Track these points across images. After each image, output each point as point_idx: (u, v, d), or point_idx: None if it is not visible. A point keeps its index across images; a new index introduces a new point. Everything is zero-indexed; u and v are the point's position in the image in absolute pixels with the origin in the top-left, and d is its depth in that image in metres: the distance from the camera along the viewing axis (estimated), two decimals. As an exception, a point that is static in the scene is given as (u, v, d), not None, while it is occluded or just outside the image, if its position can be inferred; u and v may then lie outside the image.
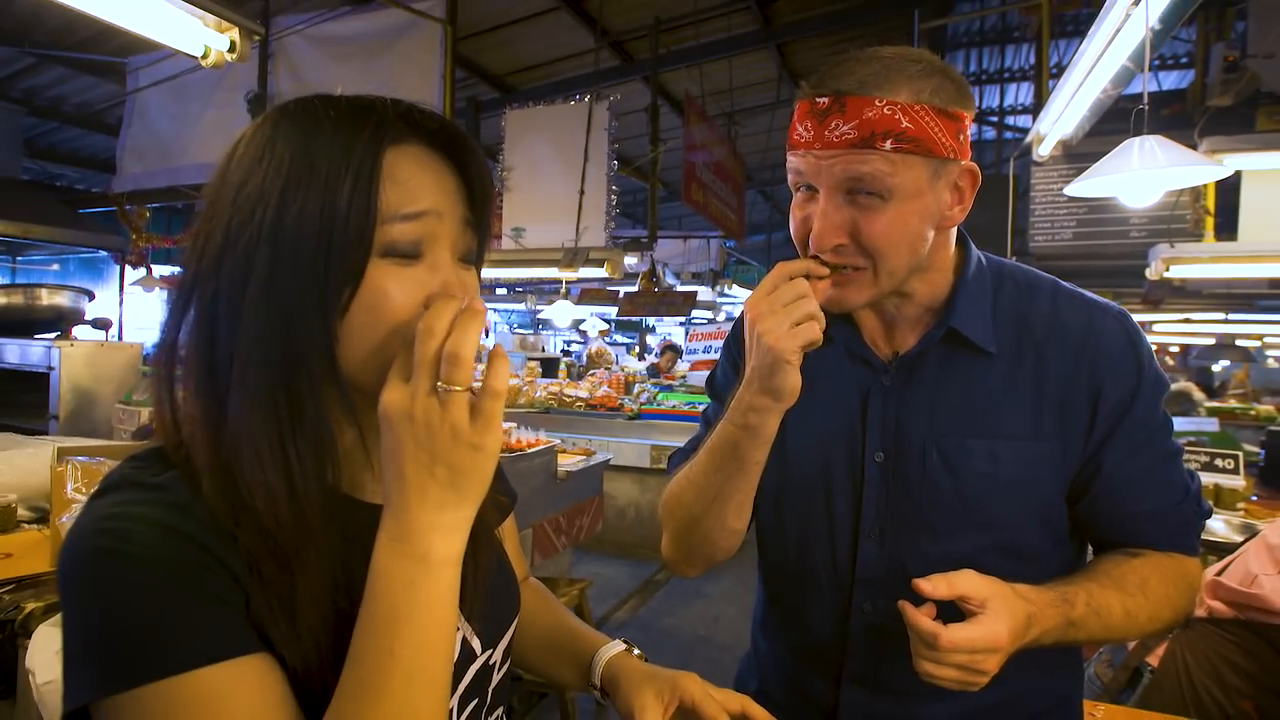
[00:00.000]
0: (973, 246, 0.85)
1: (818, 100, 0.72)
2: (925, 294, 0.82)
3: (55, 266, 9.29)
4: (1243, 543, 1.79)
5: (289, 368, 0.49)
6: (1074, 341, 0.80)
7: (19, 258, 8.82)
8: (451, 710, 0.58)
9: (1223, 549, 1.75)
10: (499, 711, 0.67)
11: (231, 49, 1.79)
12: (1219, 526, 1.79)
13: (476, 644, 0.61)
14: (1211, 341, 8.32)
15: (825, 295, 0.76)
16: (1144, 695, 1.35)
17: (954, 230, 0.83)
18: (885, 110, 0.70)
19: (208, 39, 1.78)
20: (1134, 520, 0.81)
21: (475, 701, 0.61)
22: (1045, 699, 0.86)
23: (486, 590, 0.62)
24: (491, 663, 0.63)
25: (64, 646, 0.45)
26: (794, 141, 0.76)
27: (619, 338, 13.51)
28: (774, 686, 0.94)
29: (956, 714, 0.82)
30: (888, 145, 0.71)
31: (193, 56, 1.79)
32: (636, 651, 0.76)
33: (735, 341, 0.97)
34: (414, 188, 0.51)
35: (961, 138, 0.75)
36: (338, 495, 0.53)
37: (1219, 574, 1.44)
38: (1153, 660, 1.39)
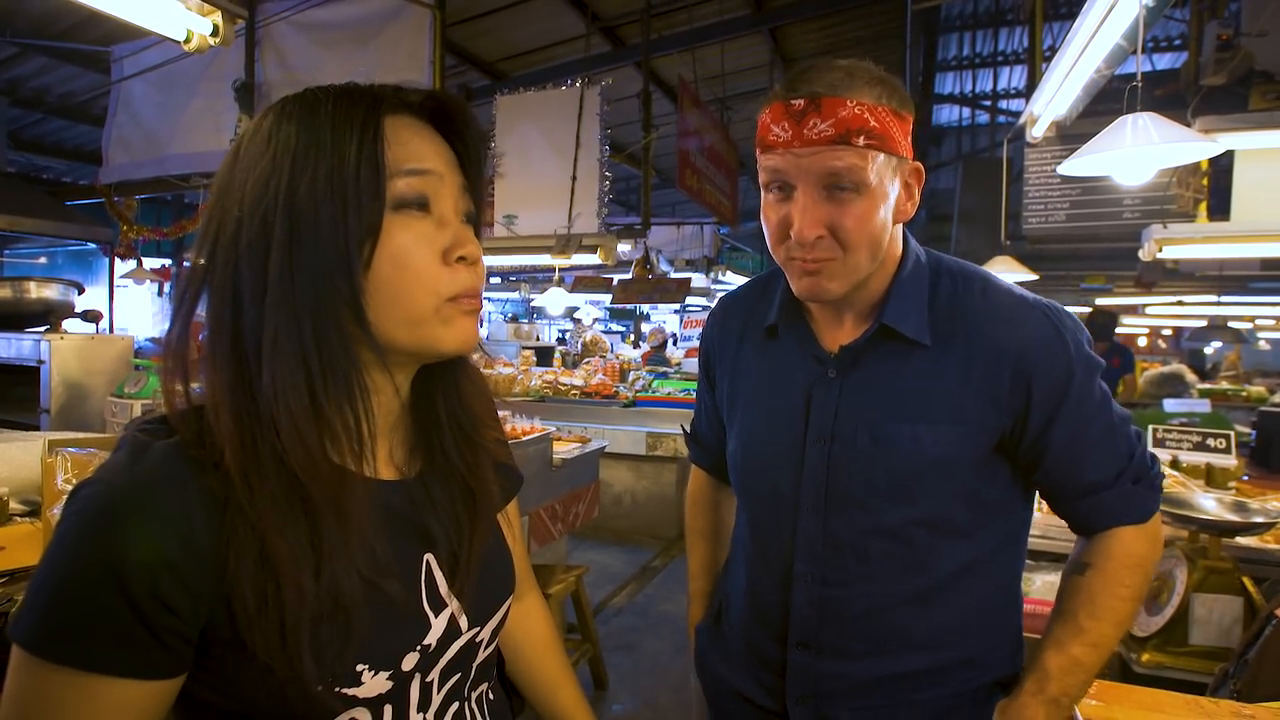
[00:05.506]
0: (912, 243, 0.92)
1: (793, 102, 0.79)
2: (874, 287, 0.89)
3: (42, 260, 9.22)
4: (1234, 521, 1.80)
5: (320, 327, 0.50)
6: (1001, 334, 0.86)
7: (6, 251, 8.74)
8: (432, 684, 0.59)
9: (1215, 528, 1.75)
10: (484, 687, 0.67)
11: (214, 33, 1.76)
12: (1210, 505, 1.80)
13: (464, 621, 0.61)
14: (1204, 324, 8.35)
15: (803, 284, 0.85)
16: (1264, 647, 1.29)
17: (901, 226, 0.89)
18: (856, 110, 0.77)
19: (190, 22, 1.75)
20: (1081, 497, 0.90)
21: (458, 676, 0.62)
22: (966, 677, 0.92)
23: (479, 569, 0.62)
24: (478, 640, 0.63)
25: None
26: (770, 142, 0.81)
27: (614, 325, 13.48)
28: (737, 642, 1.02)
29: (889, 675, 0.89)
30: (861, 141, 0.78)
31: (175, 40, 1.76)
32: None
33: (701, 353, 1.11)
34: (414, 149, 0.55)
35: (908, 139, 0.83)
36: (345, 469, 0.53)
37: None
38: None
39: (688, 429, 1.20)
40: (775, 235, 0.84)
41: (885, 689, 0.90)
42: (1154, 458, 0.92)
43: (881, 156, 0.79)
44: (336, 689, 0.51)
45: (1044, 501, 0.95)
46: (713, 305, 1.11)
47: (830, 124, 0.77)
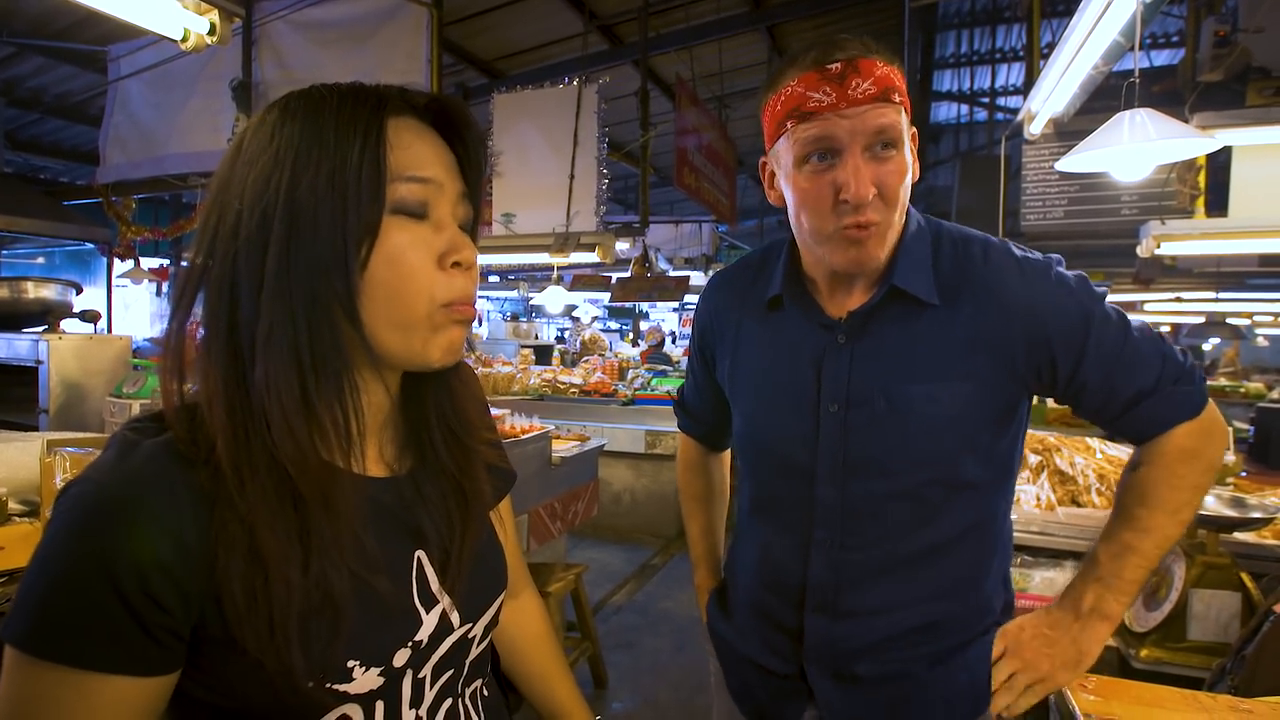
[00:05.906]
0: (911, 208, 0.92)
1: (829, 66, 0.80)
2: None
3: (40, 260, 9.21)
4: (1232, 516, 1.80)
5: (314, 324, 0.51)
6: (1007, 295, 0.87)
7: (4, 251, 8.72)
8: (424, 680, 0.59)
9: (1213, 523, 1.76)
10: (478, 684, 0.67)
11: (211, 31, 1.76)
12: (1209, 501, 1.80)
13: (455, 618, 0.61)
14: (1202, 320, 8.35)
15: (850, 255, 0.84)
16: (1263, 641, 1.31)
17: None
18: (885, 70, 0.80)
19: (187, 21, 1.74)
20: (1127, 410, 0.89)
21: (450, 672, 0.62)
22: (971, 621, 0.95)
23: (471, 566, 0.63)
24: (471, 636, 0.63)
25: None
26: (811, 108, 0.81)
27: (612, 324, 13.49)
28: (744, 615, 1.03)
29: (899, 631, 0.92)
30: (896, 98, 0.81)
31: (172, 39, 1.76)
32: None
33: (695, 329, 1.11)
34: (416, 153, 0.55)
35: None
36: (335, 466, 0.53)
37: None
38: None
39: (676, 395, 1.23)
40: (820, 205, 0.83)
41: (900, 641, 0.92)
42: (1186, 353, 0.91)
43: (904, 116, 0.83)
44: (328, 685, 0.52)
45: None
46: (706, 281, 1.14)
47: (871, 82, 0.79)
